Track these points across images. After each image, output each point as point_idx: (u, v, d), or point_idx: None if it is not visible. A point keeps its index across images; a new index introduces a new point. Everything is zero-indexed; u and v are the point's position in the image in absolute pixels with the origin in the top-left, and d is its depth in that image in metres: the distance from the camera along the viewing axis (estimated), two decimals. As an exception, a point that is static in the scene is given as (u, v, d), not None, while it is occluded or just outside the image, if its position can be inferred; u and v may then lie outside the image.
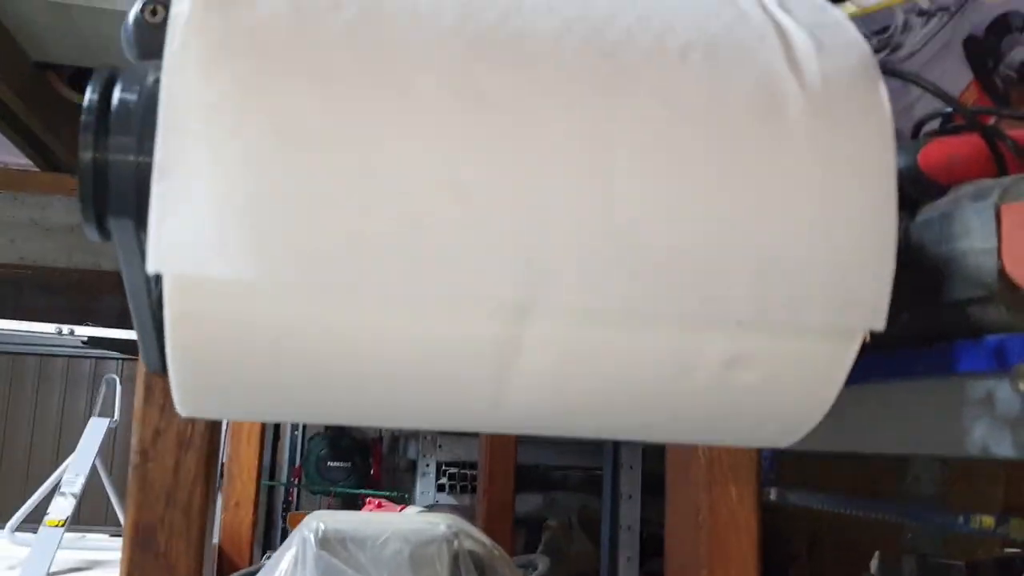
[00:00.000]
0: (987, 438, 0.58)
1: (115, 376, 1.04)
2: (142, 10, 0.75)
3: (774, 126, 0.33)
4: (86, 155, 0.34)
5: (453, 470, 1.76)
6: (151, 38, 0.76)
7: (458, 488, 1.76)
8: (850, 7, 0.63)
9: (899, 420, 0.67)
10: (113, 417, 1.00)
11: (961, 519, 0.57)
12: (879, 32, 0.64)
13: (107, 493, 1.07)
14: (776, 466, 0.73)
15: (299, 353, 0.32)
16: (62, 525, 0.91)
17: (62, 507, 0.89)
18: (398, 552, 0.60)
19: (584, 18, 0.33)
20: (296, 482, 2.33)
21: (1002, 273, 0.49)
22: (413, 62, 0.31)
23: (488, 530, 1.15)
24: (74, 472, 0.92)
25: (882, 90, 0.35)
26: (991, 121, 0.63)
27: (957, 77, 0.66)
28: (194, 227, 0.29)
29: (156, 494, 0.48)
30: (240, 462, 1.11)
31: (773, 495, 0.73)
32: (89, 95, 0.35)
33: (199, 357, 0.32)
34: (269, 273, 0.29)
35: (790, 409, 0.36)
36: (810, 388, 0.36)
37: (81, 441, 0.95)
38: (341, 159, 0.30)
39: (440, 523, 0.64)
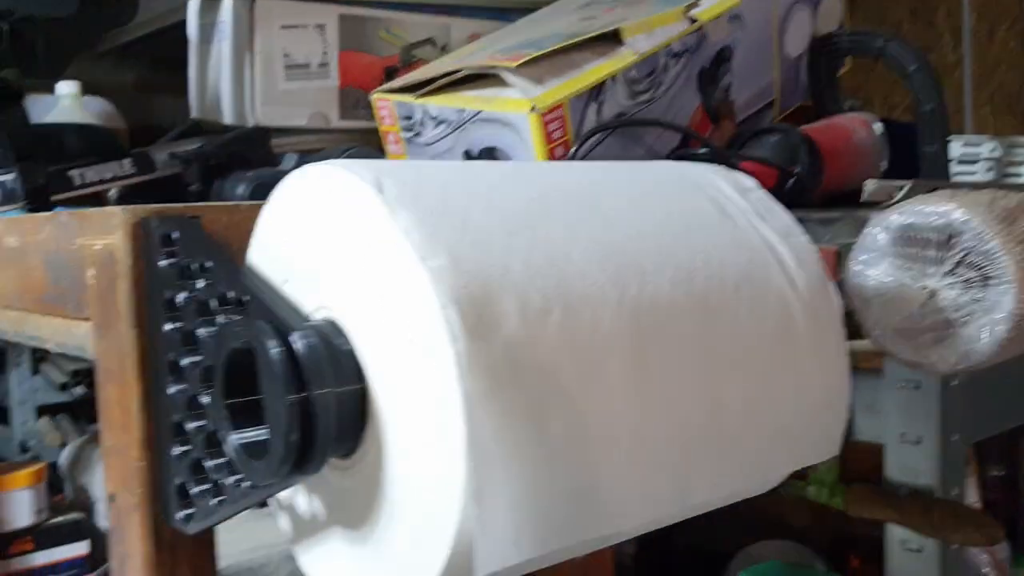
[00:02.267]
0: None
1: None
2: None
3: (792, 335, 0.46)
4: (294, 407, 0.37)
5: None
6: None
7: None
8: (630, 54, 0.75)
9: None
10: None
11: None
12: (649, 74, 0.77)
13: None
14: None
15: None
16: None
17: None
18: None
19: (678, 271, 0.43)
20: None
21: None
22: (603, 347, 0.39)
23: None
24: None
25: (832, 285, 0.50)
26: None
27: (692, 103, 0.82)
28: (502, 535, 0.36)
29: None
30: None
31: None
32: (272, 349, 0.38)
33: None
34: (545, 550, 0.37)
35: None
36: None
37: None
38: (583, 454, 0.38)
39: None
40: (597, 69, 0.74)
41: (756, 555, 1.16)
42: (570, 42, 0.75)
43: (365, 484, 0.40)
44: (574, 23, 0.82)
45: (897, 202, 0.81)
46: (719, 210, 0.48)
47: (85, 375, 1.68)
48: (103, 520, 1.33)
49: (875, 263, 0.62)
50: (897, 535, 0.69)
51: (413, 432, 0.37)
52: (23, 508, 1.25)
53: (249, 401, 0.41)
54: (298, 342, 0.38)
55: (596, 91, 0.74)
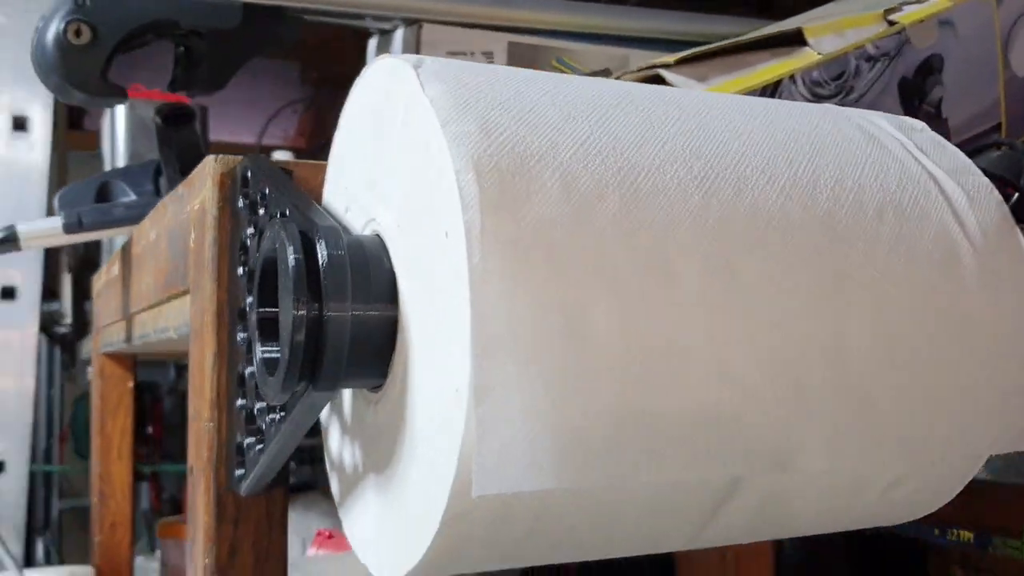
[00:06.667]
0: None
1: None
2: (64, 30, 0.68)
3: (954, 283, 0.36)
4: (300, 323, 0.32)
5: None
6: (76, 63, 0.68)
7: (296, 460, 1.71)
8: (812, 55, 0.68)
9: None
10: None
11: (936, 531, 0.65)
12: (836, 78, 0.69)
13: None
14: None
15: (549, 526, 0.33)
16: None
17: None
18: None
19: (796, 184, 0.35)
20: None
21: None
22: (675, 249, 0.31)
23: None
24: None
25: (1020, 236, 0.39)
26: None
27: (895, 114, 0.72)
28: (511, 449, 0.28)
29: (238, 611, 0.46)
30: (112, 481, 1.04)
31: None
32: (291, 257, 0.33)
33: (461, 539, 0.32)
34: (573, 482, 0.29)
35: (923, 506, 0.41)
36: (945, 490, 0.40)
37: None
38: (638, 371, 0.30)
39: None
40: (771, 68, 0.67)
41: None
42: (743, 41, 0.68)
43: (390, 419, 0.34)
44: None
45: None
46: (867, 136, 0.39)
47: None
48: None
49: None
50: None
51: (434, 348, 0.31)
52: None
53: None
54: (323, 253, 0.33)
55: (770, 91, 0.66)
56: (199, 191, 0.49)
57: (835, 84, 0.69)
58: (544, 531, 0.33)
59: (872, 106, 0.71)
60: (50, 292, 2.05)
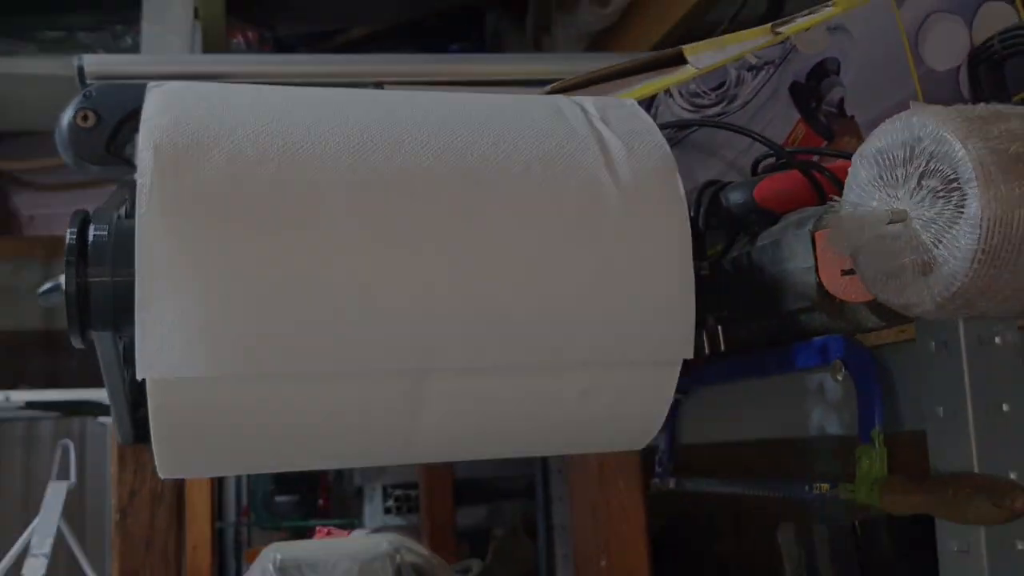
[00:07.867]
0: (822, 420, 0.70)
1: (69, 441, 1.10)
2: (74, 117, 0.84)
3: (596, 218, 0.44)
4: (71, 283, 0.44)
5: (399, 492, 1.85)
6: (85, 141, 0.85)
7: (404, 509, 1.84)
8: (690, 70, 0.75)
9: (757, 410, 0.79)
10: (70, 480, 1.06)
11: (806, 487, 0.68)
12: (716, 88, 0.76)
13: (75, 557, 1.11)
14: (672, 458, 0.84)
15: (253, 424, 0.43)
16: (37, 584, 0.98)
17: (35, 567, 0.95)
18: (348, 571, 0.70)
19: (448, 148, 0.44)
20: (245, 521, 2.38)
21: (819, 286, 0.59)
22: (323, 198, 0.41)
23: (432, 544, 1.25)
24: (41, 535, 0.98)
25: (678, 179, 0.46)
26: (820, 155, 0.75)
27: (786, 118, 0.78)
28: (167, 343, 0.39)
29: (136, 544, 0.57)
30: (194, 506, 1.19)
31: (673, 484, 0.84)
32: (68, 235, 0.45)
33: (176, 435, 0.42)
34: (222, 370, 0.39)
35: (635, 422, 0.48)
36: (648, 404, 0.47)
37: (43, 505, 1.01)
38: (275, 288, 0.40)
39: (383, 541, 0.75)
40: (647, 87, 0.75)
41: None
42: (624, 65, 0.76)
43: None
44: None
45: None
46: (553, 113, 0.48)
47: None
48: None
49: (864, 204, 0.54)
50: (947, 532, 0.52)
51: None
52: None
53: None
54: (92, 233, 0.45)
55: (644, 107, 0.74)
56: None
57: (715, 94, 0.76)
58: (258, 433, 0.43)
59: (761, 111, 0.77)
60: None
